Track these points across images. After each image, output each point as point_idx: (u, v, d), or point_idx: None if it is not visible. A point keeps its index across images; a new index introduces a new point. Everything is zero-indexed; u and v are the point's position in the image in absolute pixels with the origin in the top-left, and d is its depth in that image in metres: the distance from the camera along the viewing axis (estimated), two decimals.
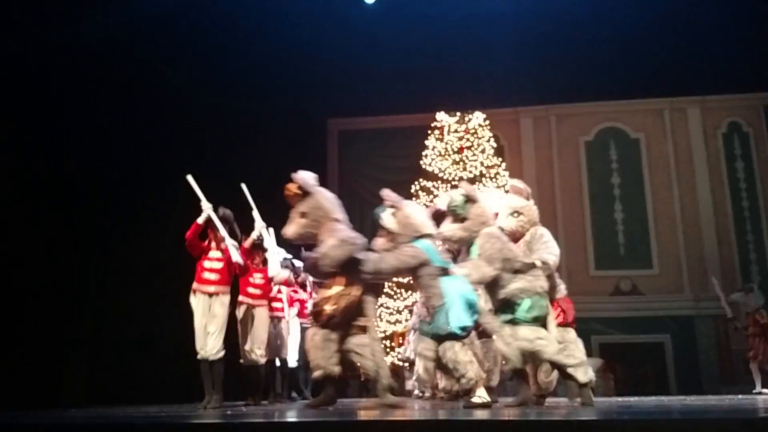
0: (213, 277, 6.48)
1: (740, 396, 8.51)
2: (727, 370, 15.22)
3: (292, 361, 8.49)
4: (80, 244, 9.70)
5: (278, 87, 13.14)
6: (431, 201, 14.98)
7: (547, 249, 5.38)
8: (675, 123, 17.23)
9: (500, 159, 15.66)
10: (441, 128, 15.73)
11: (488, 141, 15.57)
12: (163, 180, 8.84)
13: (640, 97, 16.91)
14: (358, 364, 5.40)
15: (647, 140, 17.27)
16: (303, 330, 8.06)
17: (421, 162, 15.54)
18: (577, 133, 17.50)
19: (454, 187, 15.10)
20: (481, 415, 4.04)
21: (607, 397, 10.86)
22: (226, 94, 12.11)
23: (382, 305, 14.27)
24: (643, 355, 15.60)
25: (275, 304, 7.92)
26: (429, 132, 15.83)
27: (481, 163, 15.24)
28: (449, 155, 15.42)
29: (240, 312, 7.20)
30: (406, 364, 10.81)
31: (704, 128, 17.07)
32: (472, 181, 15.00)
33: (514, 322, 5.10)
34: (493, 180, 15.06)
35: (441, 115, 15.76)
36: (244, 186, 7.15)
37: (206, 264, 6.51)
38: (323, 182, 5.86)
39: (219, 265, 6.53)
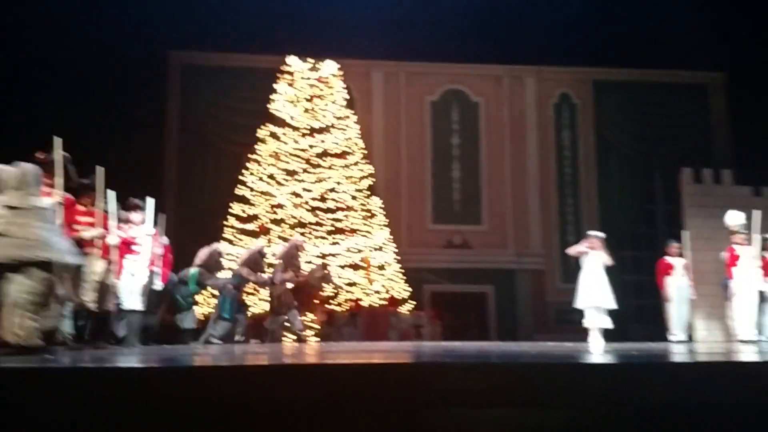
0: None
1: (551, 343, 9.44)
2: (540, 319, 16.70)
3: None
4: None
5: (113, 12, 12.07)
6: (278, 148, 14.82)
7: None
8: (512, 90, 18.05)
9: (352, 111, 15.66)
10: (292, 73, 15.34)
11: (339, 92, 15.52)
12: None
13: (482, 62, 17.50)
14: None
15: (486, 105, 17.98)
16: None
17: (270, 107, 15.19)
18: (424, 92, 17.87)
19: (304, 135, 15.07)
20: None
21: (435, 342, 11.66)
22: (53, 21, 10.95)
23: None
24: (469, 304, 16.73)
25: None
26: (279, 76, 15.44)
27: (333, 114, 15.17)
28: (299, 102, 15.24)
29: None
30: None
31: (538, 97, 18.08)
32: (321, 131, 15.04)
33: None
34: (344, 131, 15.13)
35: (292, 60, 15.33)
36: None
37: None
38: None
39: None
